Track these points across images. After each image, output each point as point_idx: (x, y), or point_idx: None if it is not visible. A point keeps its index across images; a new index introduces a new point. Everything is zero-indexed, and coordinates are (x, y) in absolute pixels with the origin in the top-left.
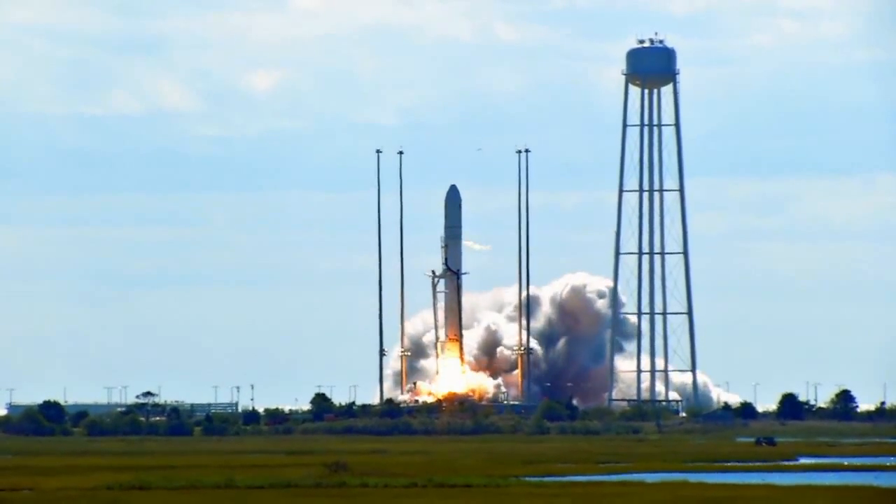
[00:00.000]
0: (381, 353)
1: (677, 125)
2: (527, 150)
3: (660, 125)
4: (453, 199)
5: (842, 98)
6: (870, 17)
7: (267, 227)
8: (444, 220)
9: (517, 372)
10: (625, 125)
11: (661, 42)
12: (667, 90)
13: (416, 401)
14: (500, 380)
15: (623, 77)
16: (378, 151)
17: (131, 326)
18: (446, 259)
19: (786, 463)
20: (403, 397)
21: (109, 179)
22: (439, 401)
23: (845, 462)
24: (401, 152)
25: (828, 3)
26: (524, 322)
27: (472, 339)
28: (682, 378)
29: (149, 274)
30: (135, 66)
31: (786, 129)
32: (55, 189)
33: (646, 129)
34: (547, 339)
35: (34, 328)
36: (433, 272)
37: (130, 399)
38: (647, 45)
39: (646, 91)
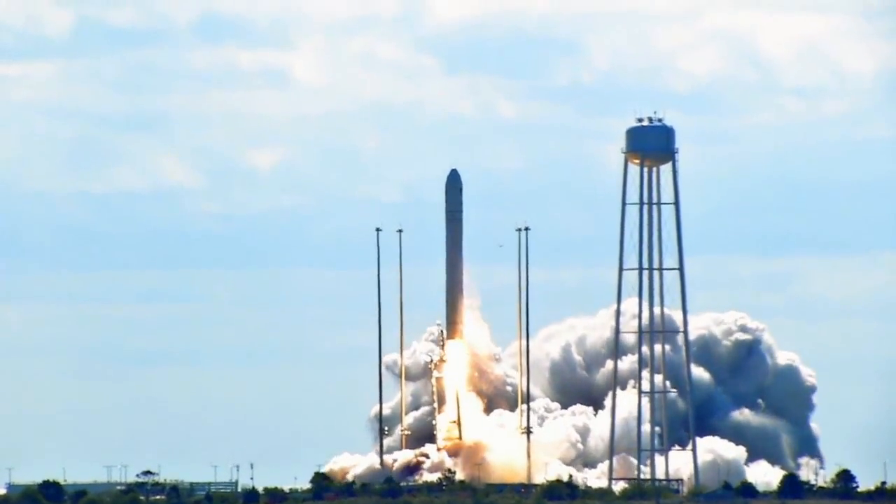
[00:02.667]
0: (382, 431)
1: (676, 203)
2: (527, 228)
3: (659, 203)
4: (454, 183)
5: (844, 176)
6: (872, 95)
7: (268, 304)
8: (444, 217)
9: None
10: (624, 203)
11: (660, 120)
12: (666, 168)
13: (420, 471)
14: None
15: (622, 155)
16: (378, 230)
17: (131, 405)
18: (443, 343)
19: None
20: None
21: (111, 256)
22: (440, 480)
23: None
24: (400, 231)
25: (830, 81)
26: (524, 406)
27: None
28: (682, 457)
29: (149, 351)
30: (137, 143)
31: (787, 207)
32: (57, 266)
33: (645, 208)
34: None
35: (34, 406)
36: (430, 356)
37: (130, 478)
38: (645, 123)
39: (645, 169)
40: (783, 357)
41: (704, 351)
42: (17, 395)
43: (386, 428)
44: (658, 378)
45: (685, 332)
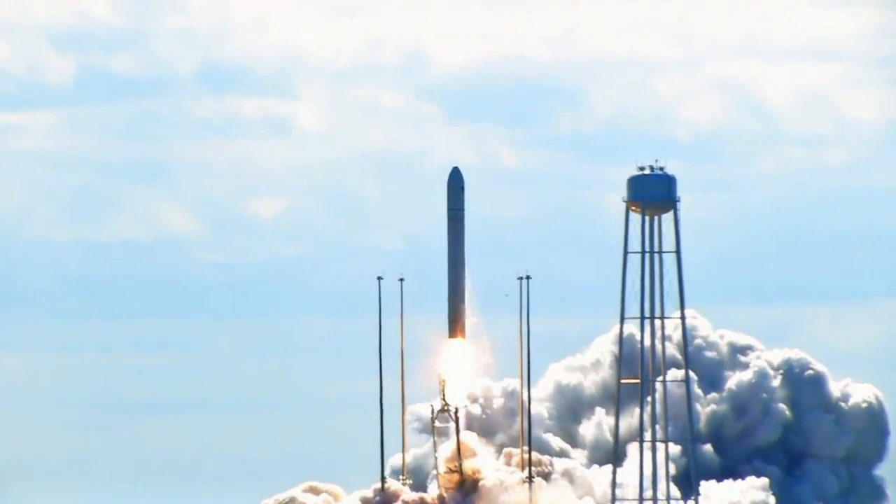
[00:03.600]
0: (383, 481)
1: (678, 252)
2: (528, 277)
3: (661, 252)
4: (456, 182)
5: (846, 224)
6: (874, 144)
7: (269, 352)
8: (446, 202)
9: None
10: (626, 252)
11: (661, 169)
12: (668, 217)
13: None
14: None
15: (623, 204)
16: (379, 278)
17: (133, 454)
18: (444, 394)
19: None
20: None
21: (112, 305)
22: None
23: None
24: (401, 279)
25: (832, 129)
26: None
27: None
28: None
29: (150, 400)
30: (138, 192)
31: (789, 255)
32: (58, 315)
33: (646, 256)
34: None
35: (34, 455)
36: (432, 407)
37: None
38: (647, 171)
39: (646, 218)
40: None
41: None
42: (17, 444)
43: (401, 477)
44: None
45: (687, 381)
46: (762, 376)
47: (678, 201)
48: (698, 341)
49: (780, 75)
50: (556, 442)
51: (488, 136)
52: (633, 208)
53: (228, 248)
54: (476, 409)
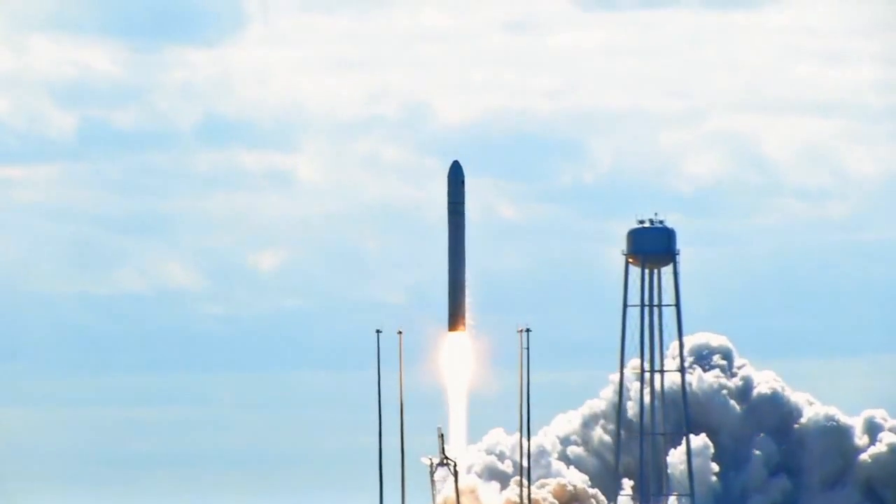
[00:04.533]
0: None
1: (678, 305)
2: (528, 330)
3: (660, 305)
4: (456, 175)
5: (847, 278)
6: (875, 198)
7: (270, 406)
8: (448, 197)
9: None
10: (625, 305)
11: (661, 222)
12: (667, 270)
13: None
14: None
15: (623, 257)
16: (378, 331)
17: None
18: (443, 447)
19: None
20: None
21: (113, 359)
22: None
23: None
24: (400, 332)
25: (833, 183)
26: None
27: None
28: None
29: (154, 454)
30: (139, 245)
31: (789, 309)
32: (60, 369)
33: (646, 310)
34: None
35: None
36: (431, 460)
37: None
38: (646, 225)
39: (646, 271)
40: None
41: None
42: (19, 499)
43: None
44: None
45: (687, 434)
46: None
47: (678, 254)
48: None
49: (781, 129)
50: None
51: (489, 189)
52: (633, 261)
53: (229, 301)
54: (489, 460)
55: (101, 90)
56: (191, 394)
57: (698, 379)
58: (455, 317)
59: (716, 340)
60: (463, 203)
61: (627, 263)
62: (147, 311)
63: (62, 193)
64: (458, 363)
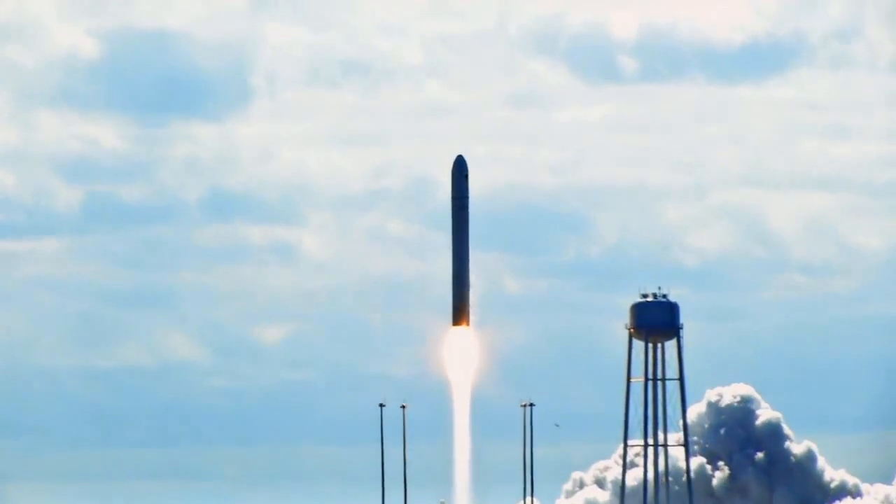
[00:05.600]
0: None
1: (681, 379)
2: (531, 404)
3: (664, 379)
4: (460, 170)
5: (852, 353)
6: (880, 272)
7: (273, 479)
8: (450, 189)
9: None
10: (629, 379)
11: (664, 296)
12: (671, 344)
13: None
14: None
15: (627, 331)
16: (381, 405)
17: None
18: None
19: None
20: None
21: (118, 432)
22: None
23: None
24: (403, 406)
25: (838, 258)
26: None
27: None
28: None
29: None
30: (144, 319)
31: (793, 384)
32: (64, 443)
33: (650, 384)
34: None
35: None
36: None
37: None
38: (650, 299)
39: (649, 345)
40: None
41: None
42: None
43: None
44: None
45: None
46: None
47: (681, 328)
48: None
49: (785, 203)
50: None
51: (494, 263)
52: (637, 336)
53: (233, 375)
54: None
55: (106, 164)
56: (195, 467)
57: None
58: (459, 311)
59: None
60: (467, 198)
61: (631, 337)
62: (151, 385)
63: (67, 267)
64: (462, 434)
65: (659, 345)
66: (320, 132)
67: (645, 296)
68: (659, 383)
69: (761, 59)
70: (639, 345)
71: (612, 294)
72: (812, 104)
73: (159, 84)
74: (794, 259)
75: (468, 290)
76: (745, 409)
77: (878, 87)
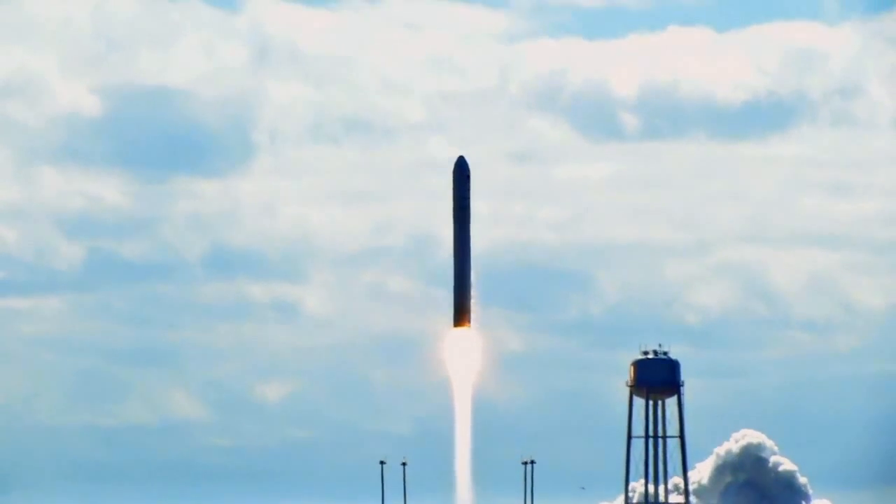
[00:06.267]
0: None
1: (682, 437)
2: (532, 462)
3: (665, 437)
4: (462, 171)
5: (854, 411)
6: (882, 330)
7: None
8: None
9: None
10: (630, 436)
11: (665, 353)
12: (672, 401)
13: None
14: None
15: (628, 388)
16: (382, 462)
17: None
18: None
19: None
20: None
21: (121, 491)
22: None
23: None
24: (404, 463)
25: (841, 316)
26: None
27: None
28: None
29: None
30: (145, 377)
31: (795, 441)
32: (66, 501)
33: (650, 441)
34: None
35: None
36: None
37: None
38: (651, 356)
39: (650, 402)
40: None
41: None
42: None
43: None
44: None
45: None
46: None
47: (682, 385)
48: None
49: (787, 261)
50: None
51: (496, 321)
52: (638, 393)
53: (235, 432)
54: None
55: (109, 221)
56: None
57: None
58: (461, 312)
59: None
60: (468, 198)
61: (632, 394)
62: (153, 443)
63: (68, 325)
64: (464, 490)
65: (660, 402)
66: (322, 189)
67: (646, 353)
68: (660, 440)
69: (763, 117)
70: (640, 402)
71: (613, 351)
72: (814, 161)
73: (161, 141)
74: (796, 316)
75: (470, 289)
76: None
77: (879, 144)
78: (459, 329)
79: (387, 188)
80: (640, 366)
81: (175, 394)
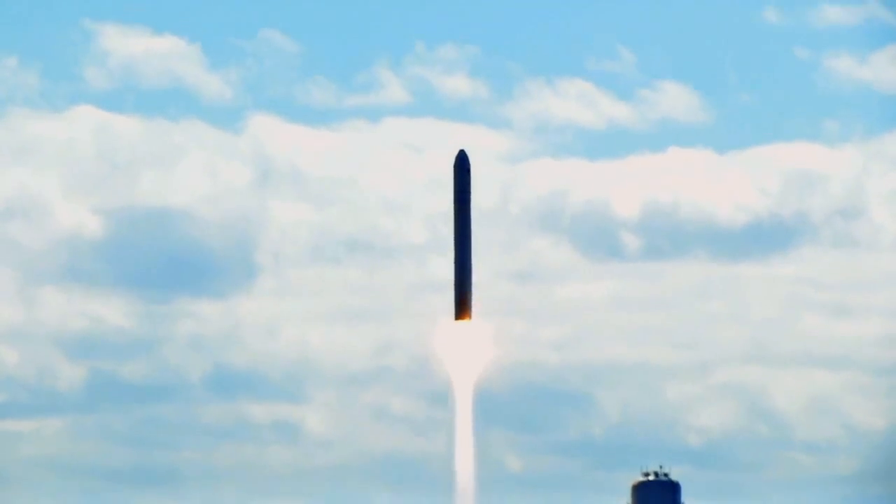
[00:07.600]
0: None
1: None
2: None
3: None
4: (462, 165)
5: None
6: (884, 452)
7: None
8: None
9: None
10: None
11: (665, 475)
12: None
13: None
14: None
15: None
16: None
17: None
18: None
19: None
20: None
21: None
22: None
23: None
24: None
25: (841, 437)
26: None
27: None
28: None
29: None
30: (147, 498)
31: None
32: None
33: None
34: None
35: None
36: None
37: None
38: (651, 478)
39: None
40: None
41: None
42: None
43: None
44: None
45: None
46: None
47: None
48: None
49: (788, 382)
50: None
51: (496, 442)
52: None
53: None
54: None
55: (110, 342)
56: None
57: None
58: (462, 304)
59: None
60: (469, 192)
61: None
62: None
63: (70, 447)
64: None
65: None
66: (324, 309)
67: (647, 475)
68: None
69: (764, 238)
70: None
71: (614, 472)
72: (815, 282)
73: (163, 262)
74: (797, 438)
75: (471, 280)
76: None
77: (880, 265)
78: (461, 321)
79: (388, 308)
80: (640, 488)
81: None
